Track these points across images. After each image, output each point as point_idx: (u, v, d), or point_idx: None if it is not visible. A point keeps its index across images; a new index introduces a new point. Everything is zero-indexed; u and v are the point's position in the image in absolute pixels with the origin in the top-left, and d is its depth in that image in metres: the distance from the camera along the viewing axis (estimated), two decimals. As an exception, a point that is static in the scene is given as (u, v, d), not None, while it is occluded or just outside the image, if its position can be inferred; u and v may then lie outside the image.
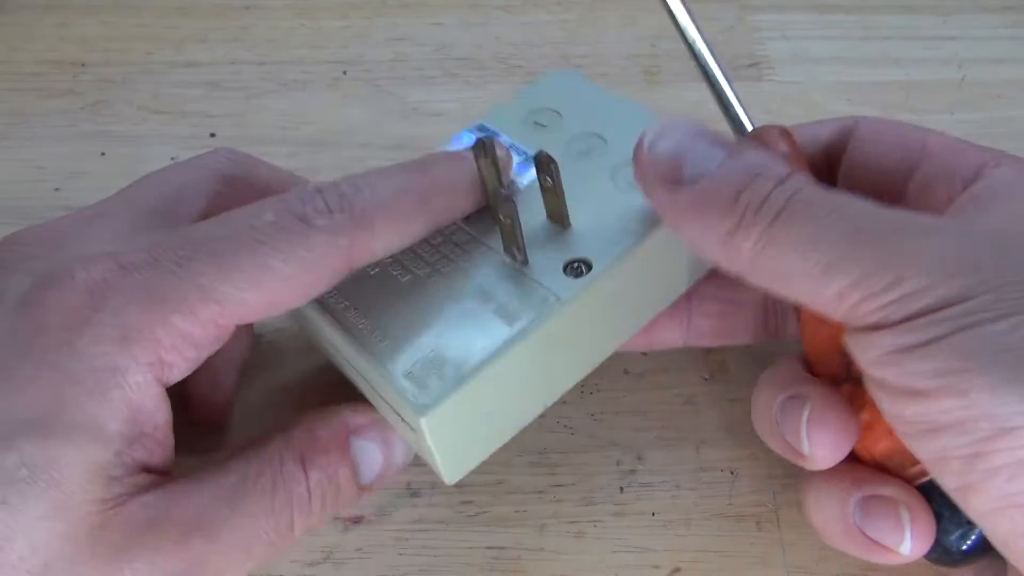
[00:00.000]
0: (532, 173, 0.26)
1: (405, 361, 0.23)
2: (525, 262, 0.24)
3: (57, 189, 0.34)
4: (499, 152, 0.25)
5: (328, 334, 0.24)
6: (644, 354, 0.30)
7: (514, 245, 0.24)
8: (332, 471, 0.22)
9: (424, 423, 0.22)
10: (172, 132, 0.36)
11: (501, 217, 0.23)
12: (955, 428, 0.18)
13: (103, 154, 0.36)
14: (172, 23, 0.41)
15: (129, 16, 0.41)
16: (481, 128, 0.29)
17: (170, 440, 0.22)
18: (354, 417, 0.24)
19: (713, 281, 0.27)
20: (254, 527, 0.21)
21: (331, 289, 0.23)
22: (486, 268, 0.24)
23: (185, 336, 0.21)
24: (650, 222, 0.24)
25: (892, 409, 0.19)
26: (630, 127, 0.26)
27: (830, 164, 0.27)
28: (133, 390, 0.20)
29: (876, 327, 0.19)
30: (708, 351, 0.30)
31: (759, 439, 0.28)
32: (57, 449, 0.19)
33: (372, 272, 0.25)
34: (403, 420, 0.23)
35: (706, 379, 0.30)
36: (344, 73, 0.39)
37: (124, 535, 0.20)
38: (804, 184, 0.20)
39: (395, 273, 0.25)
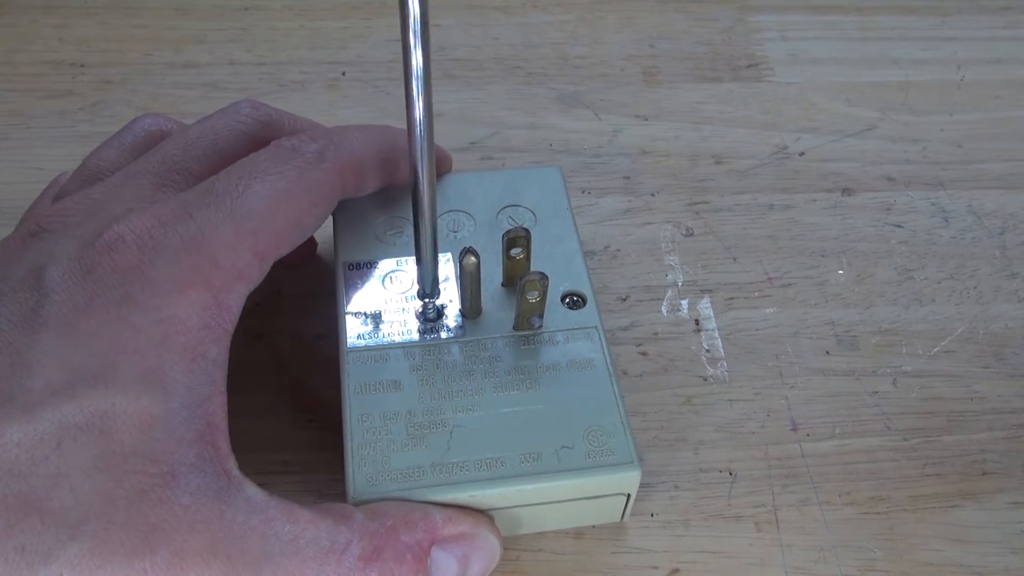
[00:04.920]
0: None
1: (575, 453, 0.24)
2: (541, 326, 0.26)
3: (56, 190, 0.34)
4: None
5: (511, 496, 0.23)
6: (644, 355, 0.30)
7: (537, 315, 0.26)
8: None
9: (638, 475, 0.24)
10: (171, 133, 0.36)
11: (528, 296, 0.25)
12: None
13: (102, 155, 0.36)
14: (171, 24, 0.41)
15: (128, 17, 0.41)
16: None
17: (224, 406, 0.22)
18: (444, 526, 0.22)
19: None
20: None
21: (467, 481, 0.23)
22: (504, 353, 0.26)
23: (234, 273, 0.22)
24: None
25: None
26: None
27: None
28: (195, 335, 0.21)
29: None
30: (708, 352, 0.30)
31: (758, 440, 0.28)
32: (114, 397, 0.20)
33: (448, 431, 0.24)
34: (596, 498, 0.24)
35: (705, 379, 0.30)
36: (343, 74, 0.39)
37: (162, 517, 0.19)
38: None
39: (452, 419, 0.24)
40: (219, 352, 0.22)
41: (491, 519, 0.24)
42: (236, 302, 0.22)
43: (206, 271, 0.22)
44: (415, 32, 0.21)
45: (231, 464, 0.21)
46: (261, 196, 0.23)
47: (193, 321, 0.21)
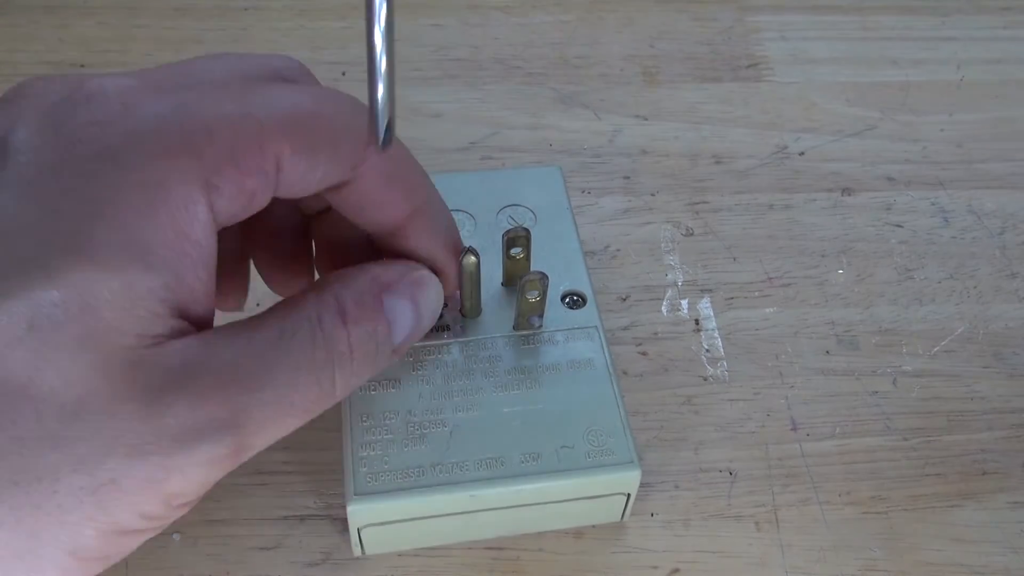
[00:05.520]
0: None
1: (575, 453, 0.24)
2: (541, 326, 0.26)
3: (56, 190, 0.34)
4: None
5: (511, 496, 0.24)
6: (644, 354, 0.30)
7: (537, 314, 0.26)
8: (371, 327, 0.21)
9: (638, 474, 0.24)
10: (171, 133, 0.36)
11: (528, 296, 0.25)
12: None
13: (102, 155, 0.36)
14: (171, 24, 0.41)
15: (128, 17, 0.41)
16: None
17: (212, 289, 0.20)
18: (384, 273, 0.22)
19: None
20: (295, 381, 0.20)
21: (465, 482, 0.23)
22: (504, 352, 0.26)
23: (228, 155, 0.19)
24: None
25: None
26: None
27: None
28: (180, 210, 0.18)
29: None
30: (708, 352, 0.30)
31: (758, 440, 0.28)
32: (93, 271, 0.17)
33: (448, 431, 0.24)
34: (596, 497, 0.24)
35: (705, 379, 0.30)
36: (343, 74, 0.39)
37: (162, 376, 0.18)
38: None
39: (452, 419, 0.24)
40: (206, 236, 0.19)
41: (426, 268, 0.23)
42: (227, 191, 0.19)
43: (199, 142, 0.19)
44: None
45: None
46: (281, 98, 0.20)
47: (180, 194, 0.18)
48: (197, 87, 0.20)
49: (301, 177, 0.21)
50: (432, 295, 0.23)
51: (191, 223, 0.19)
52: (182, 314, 0.19)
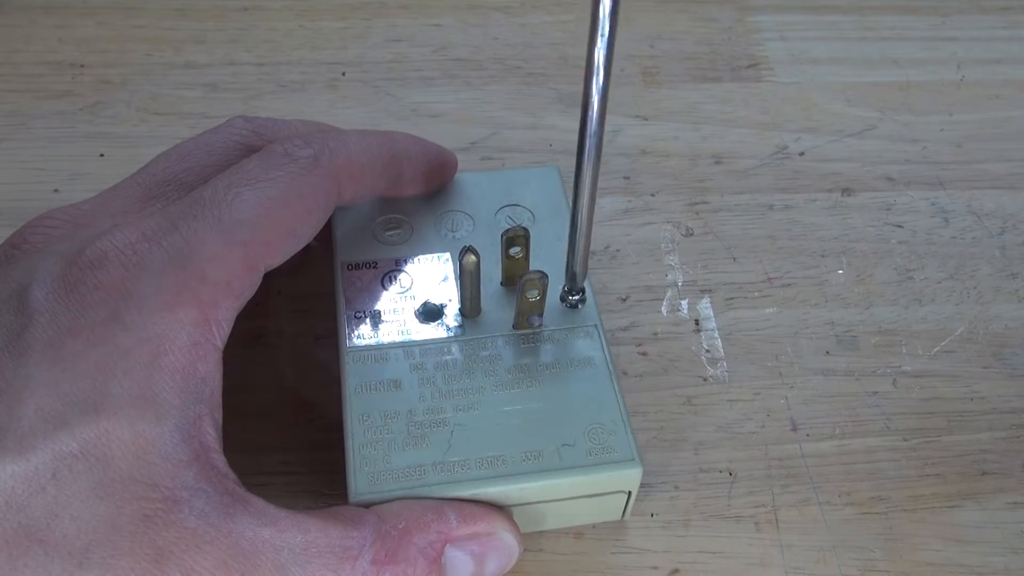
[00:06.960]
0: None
1: (576, 451, 0.24)
2: (541, 325, 0.26)
3: (56, 190, 0.34)
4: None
5: (513, 495, 0.23)
6: (644, 355, 0.30)
7: (536, 314, 0.26)
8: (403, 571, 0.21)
9: (639, 472, 0.24)
10: (171, 133, 0.36)
11: (528, 295, 0.25)
12: None
13: (102, 155, 0.36)
14: (171, 24, 0.41)
15: (128, 17, 0.41)
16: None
17: (220, 415, 0.21)
18: (458, 527, 0.22)
19: None
20: None
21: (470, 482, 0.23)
22: (504, 352, 0.26)
23: (223, 286, 0.21)
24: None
25: None
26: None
27: None
28: (186, 352, 0.20)
29: None
30: (707, 352, 0.30)
31: (758, 440, 0.28)
32: (107, 423, 0.19)
33: (439, 431, 0.24)
34: (597, 495, 0.24)
35: (705, 379, 0.30)
36: (343, 74, 0.39)
37: (169, 540, 0.19)
38: None
39: (453, 418, 0.24)
40: (208, 370, 0.21)
41: (509, 515, 0.23)
42: (226, 317, 0.22)
43: (194, 286, 0.21)
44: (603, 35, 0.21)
45: (231, 480, 0.21)
46: (251, 204, 0.22)
47: (182, 339, 0.20)
48: (182, 225, 0.22)
49: (283, 258, 0.23)
50: (501, 558, 0.23)
51: (196, 362, 0.21)
52: (198, 450, 0.20)
